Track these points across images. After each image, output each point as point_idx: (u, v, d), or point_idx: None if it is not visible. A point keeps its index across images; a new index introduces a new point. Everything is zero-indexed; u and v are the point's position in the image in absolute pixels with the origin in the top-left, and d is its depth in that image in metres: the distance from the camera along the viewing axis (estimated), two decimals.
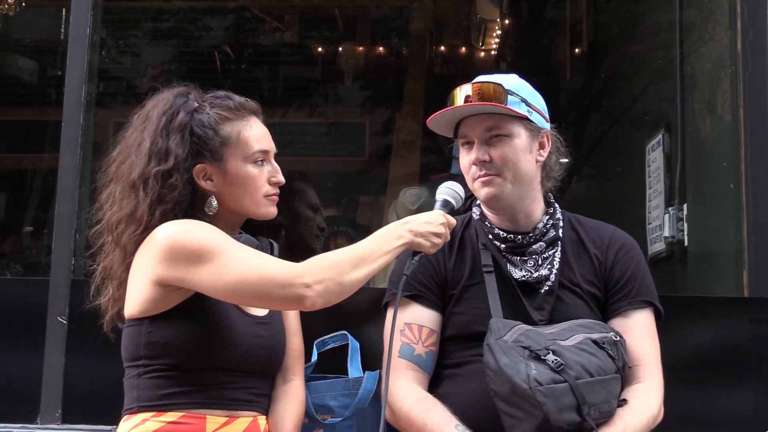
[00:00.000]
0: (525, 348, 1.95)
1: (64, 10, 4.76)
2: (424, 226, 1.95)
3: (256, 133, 2.08)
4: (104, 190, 2.10)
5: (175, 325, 1.95)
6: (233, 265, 1.88)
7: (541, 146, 2.18)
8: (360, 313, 2.41)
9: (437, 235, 1.96)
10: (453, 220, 2.03)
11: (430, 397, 2.09)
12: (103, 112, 3.01)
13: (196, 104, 2.07)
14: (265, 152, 2.08)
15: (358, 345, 2.41)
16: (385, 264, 1.93)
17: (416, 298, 2.17)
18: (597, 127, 5.63)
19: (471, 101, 2.11)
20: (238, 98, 2.11)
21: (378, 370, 2.27)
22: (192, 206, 2.03)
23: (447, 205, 2.05)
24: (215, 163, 2.04)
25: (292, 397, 2.13)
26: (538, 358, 1.93)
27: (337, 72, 6.27)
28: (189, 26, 6.07)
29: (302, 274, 1.85)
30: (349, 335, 2.42)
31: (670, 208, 3.67)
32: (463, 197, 2.09)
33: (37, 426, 2.66)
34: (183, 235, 1.93)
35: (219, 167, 2.04)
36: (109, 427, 2.07)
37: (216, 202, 2.04)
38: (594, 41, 5.62)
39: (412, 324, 2.16)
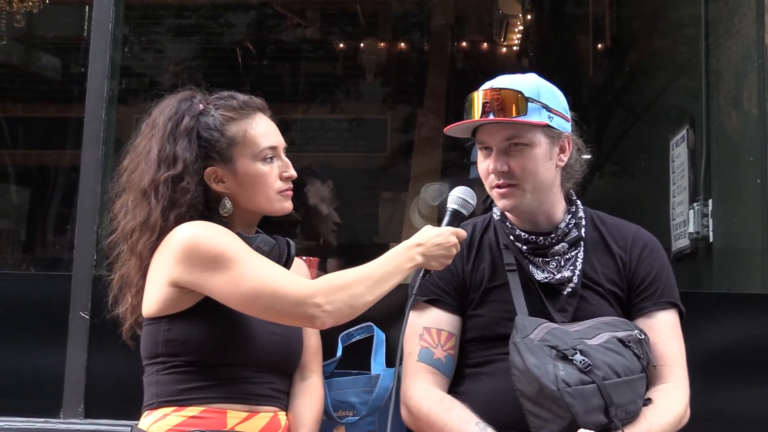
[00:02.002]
0: (552, 347, 1.92)
1: (87, 7, 4.78)
2: (436, 249, 1.95)
3: (262, 130, 2.07)
4: (117, 200, 2.10)
5: (193, 323, 1.95)
6: (248, 276, 1.88)
7: (562, 150, 2.14)
8: (384, 308, 2.39)
9: (448, 257, 1.98)
10: (463, 233, 2.01)
11: (448, 397, 2.07)
12: (125, 108, 3.03)
13: (201, 107, 2.06)
14: (274, 148, 2.07)
15: (383, 336, 2.39)
16: (395, 285, 1.94)
17: (435, 302, 2.15)
18: (620, 123, 5.59)
19: (489, 110, 2.06)
20: (242, 97, 2.10)
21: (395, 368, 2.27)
22: (207, 208, 2.03)
23: (457, 217, 2.03)
24: (225, 164, 2.03)
25: (311, 393, 2.13)
26: (565, 358, 1.91)
27: (358, 68, 6.26)
28: (211, 22, 6.09)
29: (315, 293, 1.86)
30: (375, 327, 2.40)
31: (694, 204, 3.64)
32: (474, 204, 2.06)
33: (60, 420, 2.67)
34: (202, 238, 1.93)
35: (229, 168, 2.03)
36: (131, 422, 2.04)
37: (230, 203, 2.04)
38: (617, 36, 5.60)
39: (430, 328, 2.14)
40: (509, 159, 2.08)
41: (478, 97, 2.08)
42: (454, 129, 2.16)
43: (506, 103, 2.06)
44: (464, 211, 2.04)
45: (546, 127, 2.09)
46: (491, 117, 2.06)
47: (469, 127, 2.15)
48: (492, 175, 2.10)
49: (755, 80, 3.14)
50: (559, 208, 2.18)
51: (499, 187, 2.10)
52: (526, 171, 2.08)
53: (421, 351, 2.12)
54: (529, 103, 2.06)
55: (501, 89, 2.08)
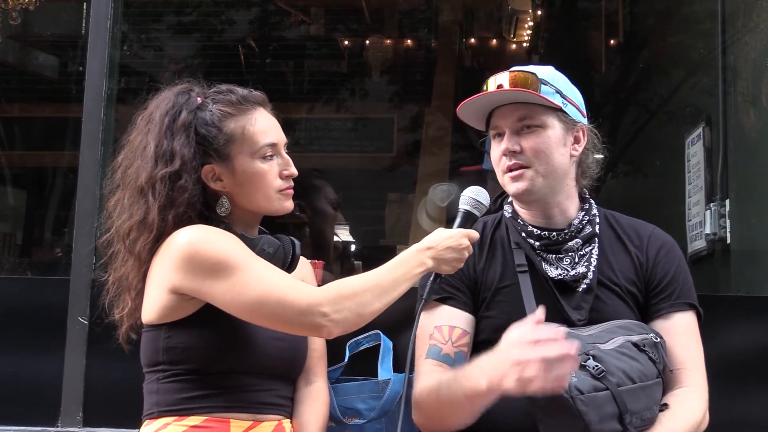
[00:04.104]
0: None
1: (85, 3, 4.81)
2: (447, 252, 1.92)
3: (261, 127, 2.02)
4: (111, 197, 2.07)
5: (194, 330, 1.92)
6: (252, 284, 1.85)
7: (576, 141, 2.13)
8: (393, 314, 2.36)
9: (460, 260, 1.94)
10: (475, 235, 1.99)
11: (445, 370, 2.03)
12: (124, 107, 3.00)
13: (199, 100, 2.03)
14: (274, 145, 2.02)
15: (391, 344, 2.38)
16: (404, 291, 1.90)
17: (446, 300, 2.12)
18: (634, 121, 5.60)
19: (503, 89, 2.06)
20: (241, 91, 2.06)
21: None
22: (206, 207, 1.99)
23: (469, 218, 2.01)
24: (222, 162, 1.99)
25: (316, 399, 2.11)
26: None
27: (364, 66, 6.26)
28: (212, 19, 6.09)
29: (322, 302, 1.82)
30: (382, 335, 2.39)
31: (711, 205, 3.61)
32: (487, 204, 2.04)
33: (58, 429, 2.65)
34: (202, 244, 1.89)
35: (227, 166, 2.00)
36: (131, 431, 2.05)
37: (228, 202, 2.01)
38: (630, 32, 5.60)
39: (442, 326, 2.10)
40: (521, 139, 2.08)
41: (493, 80, 2.09)
42: (467, 115, 2.15)
43: (520, 82, 2.06)
44: (476, 213, 2.02)
45: (560, 112, 2.08)
46: (505, 89, 2.06)
47: (482, 113, 2.14)
48: (504, 158, 2.09)
49: None
50: (572, 204, 2.16)
51: (510, 170, 2.08)
52: (538, 152, 2.07)
53: (430, 349, 2.08)
54: (543, 86, 2.07)
55: (516, 71, 2.09)
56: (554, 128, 2.08)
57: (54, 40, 5.88)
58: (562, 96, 2.09)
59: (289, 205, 2.05)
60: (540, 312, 1.83)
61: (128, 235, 1.98)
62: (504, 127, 2.09)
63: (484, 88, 2.09)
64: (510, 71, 2.09)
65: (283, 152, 2.05)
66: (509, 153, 2.07)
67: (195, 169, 1.97)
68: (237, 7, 6.05)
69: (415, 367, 2.09)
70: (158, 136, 1.98)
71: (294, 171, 2.05)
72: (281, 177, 2.02)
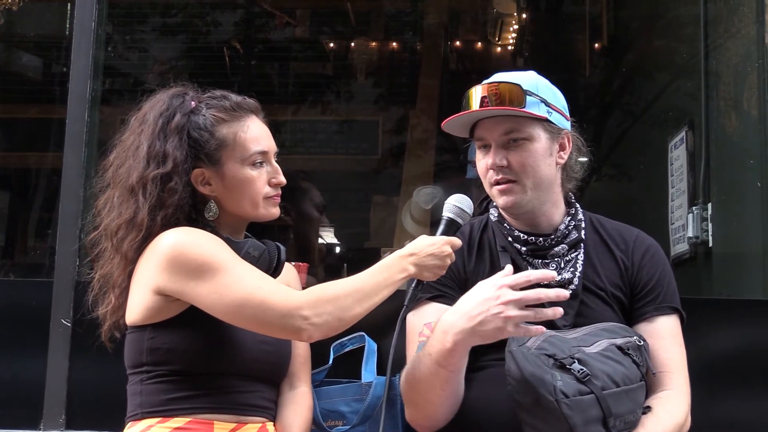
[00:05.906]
0: (549, 356, 1.87)
1: (69, 4, 4.78)
2: (429, 259, 1.92)
3: (253, 134, 2.04)
4: (101, 195, 2.07)
5: (179, 331, 1.92)
6: (234, 286, 1.85)
7: (562, 148, 2.12)
8: (379, 317, 2.35)
9: (442, 267, 1.94)
10: (458, 243, 1.98)
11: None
12: (109, 109, 2.98)
13: (193, 104, 2.04)
14: (264, 153, 2.04)
15: (375, 347, 2.38)
16: (386, 296, 1.90)
17: (437, 297, 2.12)
18: (618, 124, 5.61)
19: (487, 103, 2.05)
20: (235, 97, 2.07)
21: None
22: (195, 210, 2.00)
23: (452, 226, 2.00)
24: (213, 167, 2.01)
25: (300, 403, 2.10)
26: (563, 367, 1.86)
27: (349, 68, 6.27)
28: (197, 21, 6.07)
29: (303, 306, 1.83)
30: (366, 336, 2.38)
31: (693, 208, 3.62)
32: (471, 212, 2.03)
33: None
34: (187, 246, 1.89)
35: (217, 171, 2.01)
36: None
37: (216, 207, 2.01)
38: (615, 36, 5.61)
39: (431, 322, 2.09)
40: (508, 153, 2.06)
41: (476, 92, 2.07)
42: (451, 126, 2.13)
43: (504, 95, 2.04)
44: (460, 220, 2.01)
45: (545, 122, 2.08)
46: (490, 107, 2.04)
47: (466, 123, 2.13)
48: (491, 171, 2.08)
49: (755, 81, 3.15)
50: (558, 209, 2.16)
51: (498, 183, 2.08)
52: (525, 166, 2.06)
53: (419, 345, 2.07)
54: (528, 96, 2.05)
55: (499, 83, 2.07)
56: (540, 140, 2.07)
57: (38, 41, 5.82)
58: (547, 104, 2.08)
59: (275, 212, 2.07)
60: (509, 268, 1.88)
61: (116, 233, 1.98)
62: (490, 139, 2.08)
63: (467, 99, 2.07)
64: (493, 83, 2.08)
65: (273, 160, 2.06)
66: (496, 168, 2.07)
67: (186, 171, 1.98)
68: (222, 9, 6.03)
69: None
70: (151, 137, 1.99)
71: (282, 180, 2.06)
72: (270, 184, 2.04)
